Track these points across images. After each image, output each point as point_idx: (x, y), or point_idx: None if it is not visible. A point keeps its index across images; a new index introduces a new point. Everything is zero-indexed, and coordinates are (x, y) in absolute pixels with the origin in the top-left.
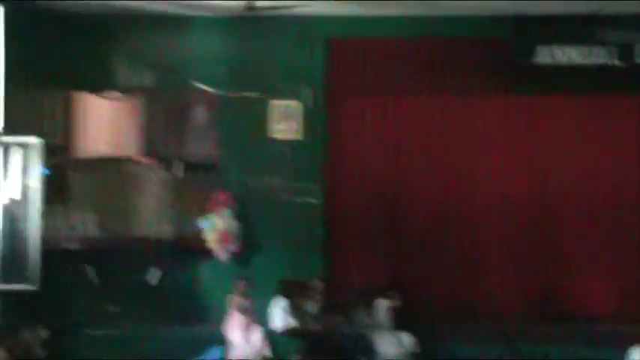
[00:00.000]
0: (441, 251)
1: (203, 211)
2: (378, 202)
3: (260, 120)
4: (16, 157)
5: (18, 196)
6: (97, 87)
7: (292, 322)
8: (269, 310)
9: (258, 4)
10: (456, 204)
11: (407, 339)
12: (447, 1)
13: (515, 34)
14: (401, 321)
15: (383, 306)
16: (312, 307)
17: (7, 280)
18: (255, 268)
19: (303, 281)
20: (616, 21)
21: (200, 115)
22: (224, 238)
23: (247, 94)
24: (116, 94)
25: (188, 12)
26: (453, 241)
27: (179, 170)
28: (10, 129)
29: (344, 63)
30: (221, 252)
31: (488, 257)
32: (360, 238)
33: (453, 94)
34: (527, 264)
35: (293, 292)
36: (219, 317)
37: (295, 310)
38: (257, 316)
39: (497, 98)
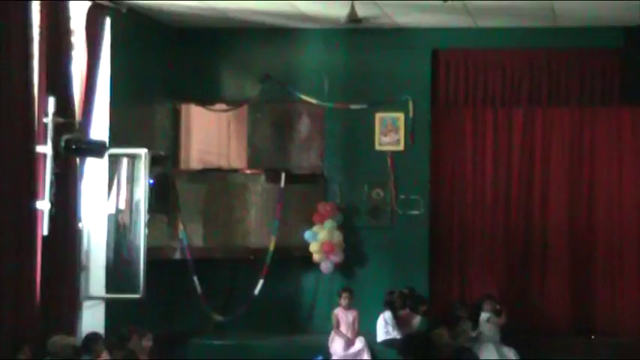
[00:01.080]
0: (546, 264)
1: (308, 222)
2: (481, 214)
3: (365, 132)
4: (123, 167)
5: (124, 206)
6: (204, 99)
7: (396, 334)
8: (374, 322)
9: (362, 15)
10: (559, 216)
11: (511, 353)
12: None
13: (627, 45)
14: (505, 335)
15: (487, 320)
16: (417, 319)
17: (113, 289)
18: (359, 279)
19: (408, 293)
20: None
21: (306, 127)
22: (328, 248)
23: (353, 106)
24: (223, 106)
25: (294, 24)
26: (560, 254)
27: (284, 181)
28: (117, 140)
29: (449, 74)
30: (325, 263)
31: (596, 271)
32: (464, 250)
33: (561, 106)
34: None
35: (398, 304)
36: (322, 327)
37: (400, 322)
38: (360, 327)
39: (607, 110)
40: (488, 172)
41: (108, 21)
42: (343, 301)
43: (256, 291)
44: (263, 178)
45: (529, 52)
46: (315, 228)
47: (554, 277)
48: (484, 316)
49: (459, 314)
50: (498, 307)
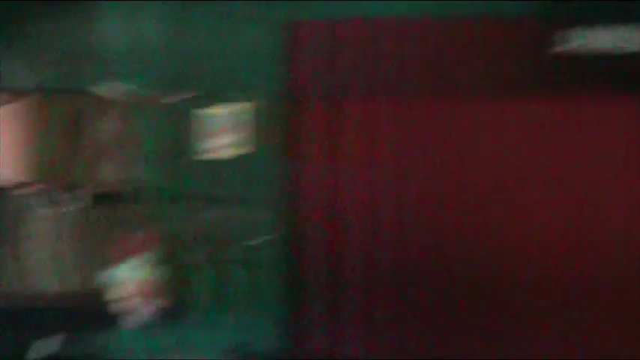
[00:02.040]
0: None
1: (116, 258)
2: (368, 241)
3: (190, 134)
4: None
5: None
6: None
7: None
8: None
9: None
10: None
11: None
12: None
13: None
14: None
15: None
16: None
17: None
18: (185, 336)
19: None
20: None
21: (109, 127)
22: (141, 294)
23: (173, 99)
24: None
25: None
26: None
27: (79, 202)
28: None
29: (308, 54)
30: (138, 313)
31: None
32: (340, 290)
33: (457, 96)
34: None
35: None
36: None
37: None
38: None
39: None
40: (366, 178)
41: None
42: None
43: (40, 356)
44: (51, 198)
45: (428, 21)
46: (125, 266)
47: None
48: None
49: None
50: None
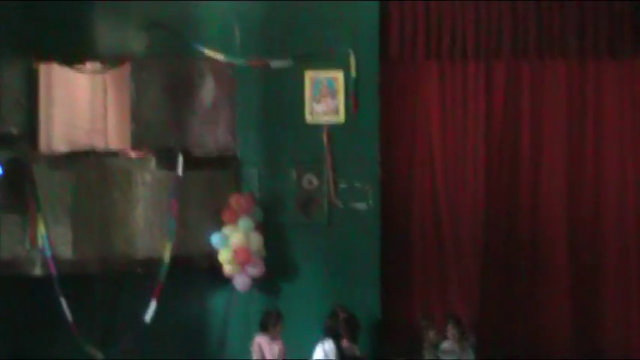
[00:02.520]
0: (538, 272)
1: (216, 222)
2: (450, 206)
3: (292, 98)
4: None
5: None
6: (70, 56)
7: None
8: (305, 355)
9: None
10: (554, 206)
11: None
12: None
13: None
14: None
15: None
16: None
17: None
18: (286, 298)
19: (351, 316)
20: None
21: (210, 92)
22: (243, 257)
23: (274, 63)
24: (96, 65)
25: None
26: (556, 258)
27: (182, 167)
28: None
29: (404, 18)
30: (239, 276)
31: (603, 279)
32: (428, 255)
33: (555, 58)
34: None
35: (344, 330)
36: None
37: (343, 352)
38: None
39: (616, 63)
40: (459, 149)
41: None
42: (272, 329)
43: (147, 316)
44: (153, 162)
45: None
46: (226, 229)
47: (549, 289)
48: (446, 345)
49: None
50: (464, 331)
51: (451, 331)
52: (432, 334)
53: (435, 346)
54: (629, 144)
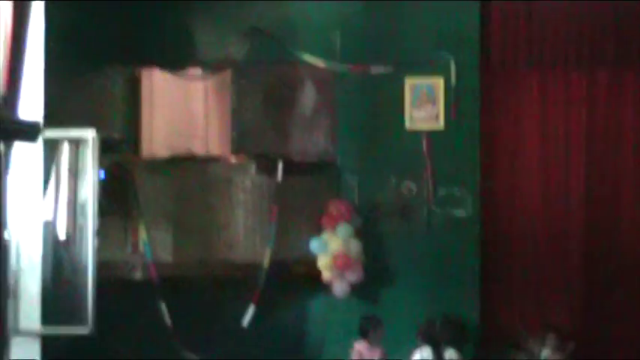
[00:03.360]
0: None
1: (315, 228)
2: (551, 215)
3: (392, 104)
4: (64, 156)
5: (65, 209)
6: (172, 62)
7: None
8: None
9: None
10: None
11: None
12: None
13: None
14: None
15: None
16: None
17: (52, 321)
18: (384, 304)
19: (451, 321)
20: None
21: (311, 98)
22: (342, 263)
23: (374, 69)
24: (197, 71)
25: None
26: None
27: (282, 173)
28: (55, 119)
29: (506, 25)
30: (338, 283)
31: None
32: (528, 264)
33: None
34: None
35: (442, 337)
36: None
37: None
38: None
39: None
40: (561, 157)
41: None
42: (372, 335)
43: (245, 321)
44: (253, 168)
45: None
46: (325, 235)
47: None
48: (545, 354)
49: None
50: (563, 343)
51: (551, 340)
52: (531, 343)
53: (535, 355)
54: None
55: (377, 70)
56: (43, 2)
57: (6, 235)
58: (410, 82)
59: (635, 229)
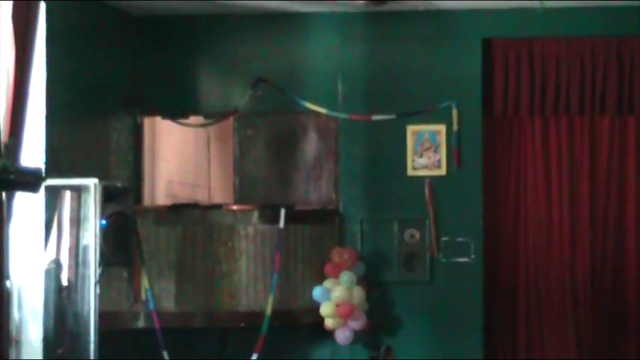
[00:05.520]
0: None
1: (318, 276)
2: (556, 260)
3: (394, 152)
4: (66, 204)
5: (67, 257)
6: (175, 110)
7: None
8: None
9: None
10: None
11: None
12: None
13: None
14: None
15: None
16: None
17: None
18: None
19: None
20: None
21: (314, 146)
22: (345, 311)
23: (377, 117)
24: (200, 119)
25: (295, 7)
26: None
27: (285, 221)
28: (57, 168)
29: (508, 72)
30: (341, 331)
31: None
32: (533, 311)
33: None
34: None
35: None
36: None
37: None
38: None
39: None
40: (565, 203)
41: (43, 6)
42: None
43: None
44: (256, 216)
45: (618, 39)
46: (328, 283)
47: None
48: None
49: None
50: None
51: None
52: None
53: None
54: None
55: (379, 117)
56: (45, 49)
57: (7, 284)
58: (412, 130)
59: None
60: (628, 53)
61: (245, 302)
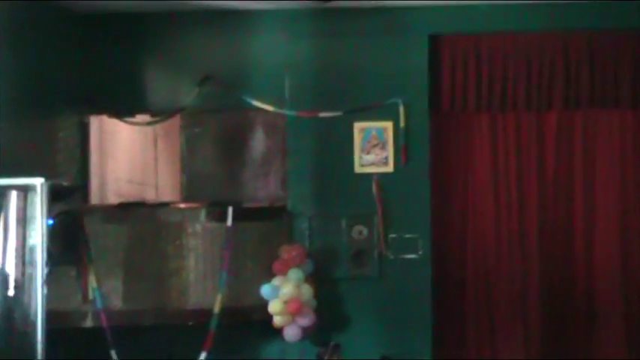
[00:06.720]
0: (595, 324)
1: (267, 274)
2: (504, 256)
3: (342, 148)
4: (12, 203)
5: (14, 257)
6: (122, 108)
7: None
8: None
9: None
10: (610, 256)
11: None
12: None
13: None
14: None
15: None
16: None
17: None
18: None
19: None
20: None
21: (261, 143)
22: (294, 308)
23: (324, 114)
24: (147, 117)
25: (243, 5)
26: (614, 308)
27: (233, 218)
28: (2, 167)
29: (455, 68)
30: (290, 328)
31: None
32: (481, 305)
33: (610, 108)
34: None
35: None
36: None
37: None
38: None
39: None
40: (513, 198)
41: None
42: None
43: None
44: (204, 214)
45: (564, 35)
46: (277, 281)
47: (608, 342)
48: None
49: None
50: None
51: None
52: None
53: None
54: None
55: (326, 114)
56: None
57: None
58: (359, 126)
59: (587, 266)
60: (574, 48)
61: (194, 300)
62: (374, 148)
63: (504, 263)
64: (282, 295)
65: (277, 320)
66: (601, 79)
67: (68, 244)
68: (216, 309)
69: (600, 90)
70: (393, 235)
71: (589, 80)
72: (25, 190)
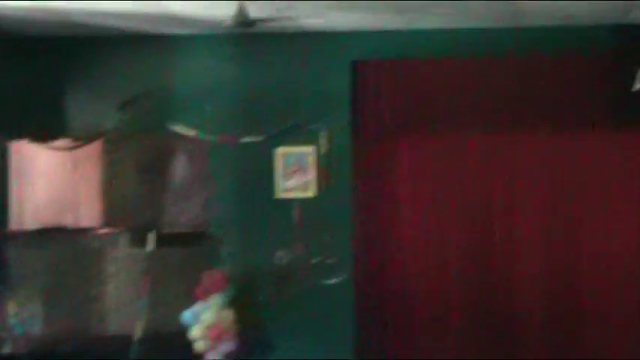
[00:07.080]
0: (517, 346)
1: (187, 299)
2: (428, 278)
3: (263, 174)
4: None
5: None
6: (42, 133)
7: None
8: None
9: (255, 16)
10: (532, 279)
11: None
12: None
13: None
14: None
15: None
16: None
17: None
18: None
19: None
20: None
21: (182, 169)
22: (215, 334)
23: (245, 139)
24: (68, 142)
25: (164, 30)
26: (535, 330)
27: (153, 243)
28: None
29: (376, 93)
30: (211, 353)
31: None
32: (405, 329)
33: (531, 131)
34: None
35: None
36: None
37: None
38: None
39: (596, 135)
40: (432, 221)
41: None
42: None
43: None
44: (125, 239)
45: (487, 59)
46: (198, 306)
47: None
48: None
49: None
50: None
51: None
52: None
53: None
54: (611, 212)
55: (247, 139)
56: None
57: None
58: (280, 151)
59: (507, 289)
60: (495, 73)
61: (114, 326)
62: (295, 174)
63: (427, 284)
64: (203, 320)
65: (198, 346)
66: (520, 102)
67: None
68: (137, 335)
69: (520, 113)
70: (314, 260)
71: (511, 104)
72: None
